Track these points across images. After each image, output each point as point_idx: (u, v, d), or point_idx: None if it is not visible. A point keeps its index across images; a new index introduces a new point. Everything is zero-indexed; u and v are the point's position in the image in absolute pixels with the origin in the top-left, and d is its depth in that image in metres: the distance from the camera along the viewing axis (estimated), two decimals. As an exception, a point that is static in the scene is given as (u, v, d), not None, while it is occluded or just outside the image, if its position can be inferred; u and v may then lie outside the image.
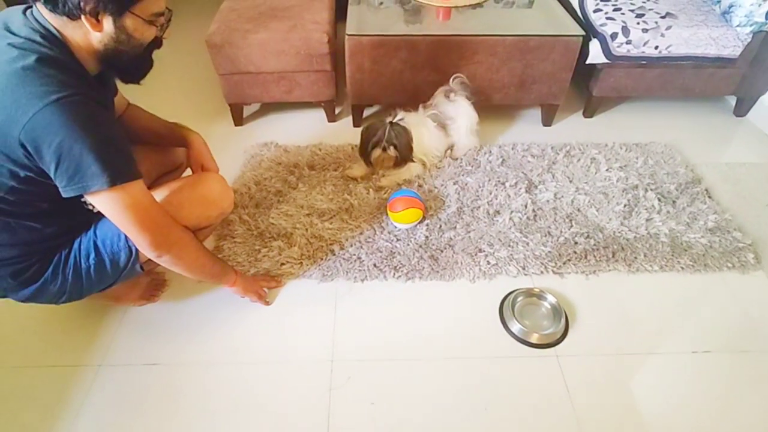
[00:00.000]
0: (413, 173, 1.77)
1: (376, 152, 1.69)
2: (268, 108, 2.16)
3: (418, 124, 1.74)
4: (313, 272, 1.44)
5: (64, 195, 0.88)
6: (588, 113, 2.13)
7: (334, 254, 1.48)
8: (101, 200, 0.90)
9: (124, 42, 0.91)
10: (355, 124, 2.07)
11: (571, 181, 1.75)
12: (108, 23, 0.88)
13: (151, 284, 1.39)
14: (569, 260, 1.47)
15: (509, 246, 1.51)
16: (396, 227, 1.57)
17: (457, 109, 1.76)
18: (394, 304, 1.39)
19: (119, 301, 1.34)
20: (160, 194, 1.10)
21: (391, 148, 1.68)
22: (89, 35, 0.89)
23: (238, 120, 2.06)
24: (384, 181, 1.74)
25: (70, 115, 0.82)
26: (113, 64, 0.96)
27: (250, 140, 1.97)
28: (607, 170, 1.79)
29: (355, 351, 1.28)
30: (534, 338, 1.30)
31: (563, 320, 1.32)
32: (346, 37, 1.76)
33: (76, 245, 1.06)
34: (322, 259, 1.47)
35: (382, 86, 1.89)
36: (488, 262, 1.47)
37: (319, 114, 2.11)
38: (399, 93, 1.91)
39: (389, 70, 1.84)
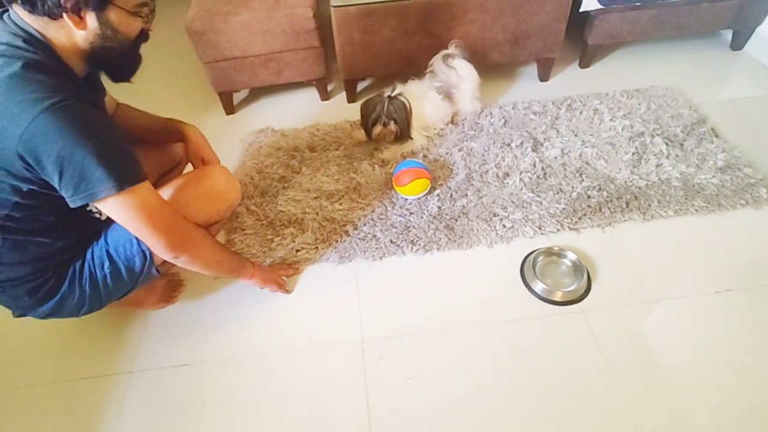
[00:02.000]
0: (416, 145, 1.73)
1: (377, 128, 1.64)
2: (258, 92, 2.09)
3: (421, 97, 1.68)
4: (330, 255, 1.42)
5: (71, 205, 0.84)
6: (584, 63, 2.08)
7: (349, 235, 1.46)
8: (110, 206, 0.86)
9: (110, 38, 0.85)
10: (350, 100, 2.01)
11: (576, 135, 1.72)
12: (91, 19, 0.82)
13: (168, 286, 1.37)
14: (584, 215, 1.46)
15: (523, 207, 1.49)
16: (406, 200, 1.55)
17: (460, 75, 1.70)
18: (415, 278, 1.37)
19: (139, 306, 1.32)
20: (165, 193, 1.06)
21: (392, 123, 1.64)
22: (73, 34, 0.83)
23: (229, 108, 1.99)
24: (386, 154, 1.70)
25: (66, 121, 0.77)
26: (102, 63, 0.90)
27: (244, 128, 1.91)
28: (611, 120, 1.76)
29: (384, 328, 1.27)
30: (558, 296, 1.29)
31: (585, 275, 1.32)
32: (332, 9, 1.68)
33: (89, 255, 1.03)
34: (337, 241, 1.45)
35: (374, 57, 1.82)
36: (504, 226, 1.45)
37: (311, 93, 2.04)
38: (392, 62, 1.84)
39: (380, 40, 1.77)
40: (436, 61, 1.73)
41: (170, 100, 2.11)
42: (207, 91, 2.01)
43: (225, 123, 1.97)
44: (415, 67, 1.80)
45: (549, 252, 1.37)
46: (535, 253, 1.37)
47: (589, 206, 1.48)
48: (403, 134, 1.69)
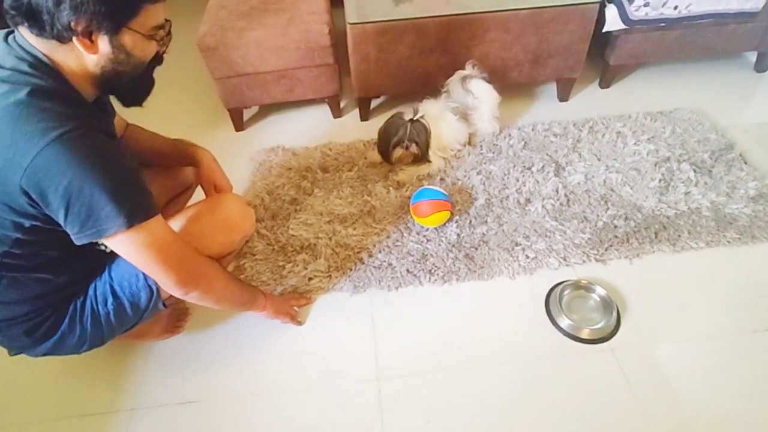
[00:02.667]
0: (434, 168, 1.67)
1: (398, 152, 1.59)
2: (268, 109, 2.03)
3: (437, 118, 1.63)
4: (343, 284, 1.36)
5: (77, 242, 0.78)
6: (604, 84, 2.02)
7: (363, 263, 1.39)
8: (119, 242, 0.80)
9: (123, 62, 0.80)
10: (363, 118, 1.95)
11: (599, 159, 1.66)
12: (104, 43, 0.76)
13: (173, 315, 1.30)
14: (611, 246, 1.39)
15: (546, 236, 1.43)
16: (423, 227, 1.48)
17: (477, 97, 1.65)
18: (433, 311, 1.31)
19: (142, 338, 1.25)
20: (176, 224, 1.00)
21: (413, 145, 1.58)
22: (83, 59, 0.77)
23: (239, 125, 1.94)
24: (402, 176, 1.64)
25: (75, 153, 0.71)
26: (113, 88, 0.85)
27: (254, 146, 1.86)
28: (635, 144, 1.70)
29: (401, 365, 1.20)
30: (585, 333, 1.23)
31: (614, 312, 1.25)
32: (348, 26, 1.63)
33: (91, 291, 0.96)
34: (351, 269, 1.38)
35: (390, 75, 1.77)
36: (527, 256, 1.38)
37: (323, 110, 1.99)
38: (408, 81, 1.79)
39: (396, 58, 1.71)
40: (453, 83, 1.67)
41: (177, 115, 2.05)
42: (216, 107, 1.96)
43: (234, 140, 1.92)
44: (431, 86, 1.74)
45: (576, 285, 1.31)
46: (561, 286, 1.30)
47: (616, 236, 1.41)
48: (423, 157, 1.63)
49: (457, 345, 1.23)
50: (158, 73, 0.91)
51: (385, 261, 1.39)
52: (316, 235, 1.47)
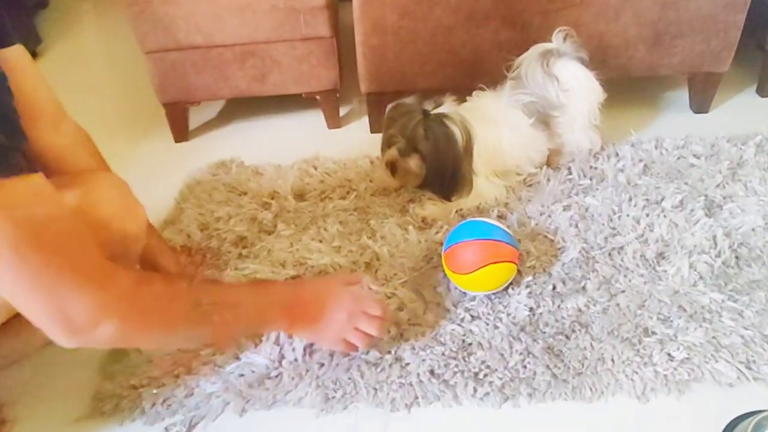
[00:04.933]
0: (486, 199, 1.32)
1: (390, 153, 1.29)
2: (231, 112, 1.79)
3: (496, 120, 1.31)
4: (306, 392, 0.94)
5: None
6: (766, 89, 1.68)
7: (348, 354, 0.99)
8: None
9: None
10: (374, 128, 1.66)
11: (783, 194, 1.26)
12: None
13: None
14: (842, 346, 0.95)
15: (705, 320, 1.02)
16: (467, 294, 1.09)
17: (567, 86, 1.32)
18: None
19: None
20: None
21: (415, 157, 1.27)
22: None
23: (180, 131, 1.68)
24: (430, 209, 1.32)
25: None
26: None
27: (198, 163, 1.55)
28: None
29: None
30: None
31: None
32: (354, -26, 1.39)
33: None
34: (322, 365, 0.98)
35: (418, 57, 1.50)
36: (669, 356, 0.96)
37: (315, 117, 1.70)
38: (447, 67, 1.53)
39: (429, 28, 1.45)
40: (528, 61, 1.35)
41: (92, 113, 1.83)
42: (153, 104, 1.69)
43: (169, 153, 1.64)
44: (485, 77, 1.43)
45: (786, 423, 0.84)
46: (754, 421, 0.83)
47: None
48: (438, 186, 1.31)
49: None
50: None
51: (390, 353, 0.99)
52: (269, 298, 1.09)
